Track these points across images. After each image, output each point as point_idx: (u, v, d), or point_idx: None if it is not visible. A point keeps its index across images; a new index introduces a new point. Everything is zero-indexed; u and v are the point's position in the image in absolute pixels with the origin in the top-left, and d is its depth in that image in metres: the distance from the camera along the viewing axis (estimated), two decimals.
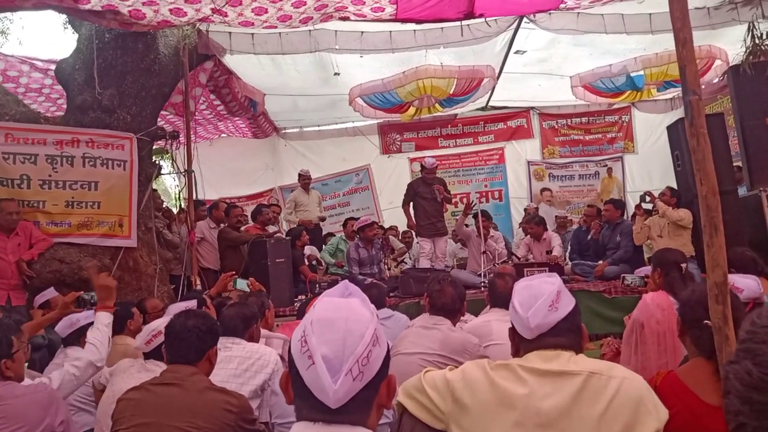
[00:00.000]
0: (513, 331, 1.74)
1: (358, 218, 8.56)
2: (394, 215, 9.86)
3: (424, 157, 9.37)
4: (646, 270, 4.10)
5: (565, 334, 1.65)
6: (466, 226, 7.80)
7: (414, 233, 8.50)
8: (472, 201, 8.83)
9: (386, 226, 9.70)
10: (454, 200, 10.70)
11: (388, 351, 1.16)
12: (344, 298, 1.20)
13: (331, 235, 9.47)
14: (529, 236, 7.73)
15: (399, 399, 1.72)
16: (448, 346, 2.88)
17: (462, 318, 3.74)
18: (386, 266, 8.14)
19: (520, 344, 1.71)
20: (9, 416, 2.20)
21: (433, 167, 7.62)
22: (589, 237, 7.27)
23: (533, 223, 7.51)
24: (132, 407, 2.23)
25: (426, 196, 7.44)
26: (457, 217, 10.53)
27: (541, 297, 1.65)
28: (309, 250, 7.94)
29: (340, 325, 1.10)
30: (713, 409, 1.83)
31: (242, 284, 4.62)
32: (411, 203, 7.64)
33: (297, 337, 1.11)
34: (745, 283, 2.53)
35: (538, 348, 1.64)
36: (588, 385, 1.53)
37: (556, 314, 1.64)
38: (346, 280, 1.29)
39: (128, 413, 2.22)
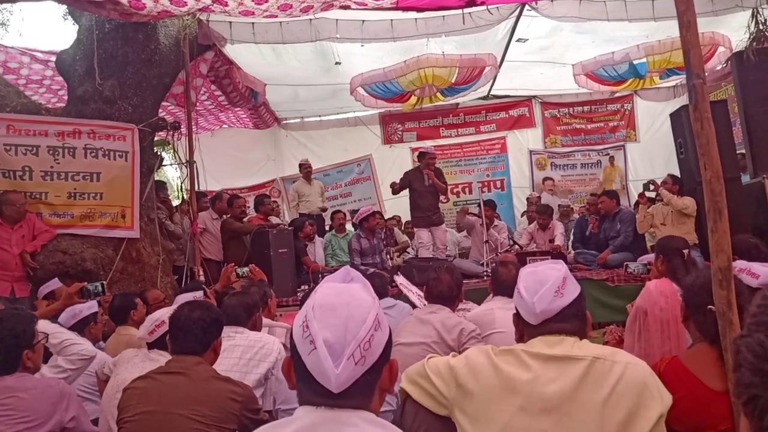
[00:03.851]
0: (518, 317, 1.74)
1: (339, 212, 8.55)
2: (396, 205, 9.85)
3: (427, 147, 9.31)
4: (649, 258, 4.10)
5: (570, 320, 1.65)
6: (474, 215, 7.77)
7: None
8: (470, 209, 8.76)
9: (389, 215, 9.68)
10: (455, 190, 10.76)
11: (390, 335, 1.16)
12: (346, 283, 1.20)
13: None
14: (533, 224, 7.71)
15: (402, 385, 1.72)
16: (445, 329, 2.89)
17: (465, 307, 3.75)
18: (388, 256, 8.12)
19: (524, 330, 1.71)
20: (17, 408, 2.21)
21: (432, 152, 7.56)
22: (587, 233, 7.24)
23: (546, 215, 7.48)
24: (137, 396, 2.24)
25: (420, 188, 7.35)
26: (458, 208, 10.62)
27: (547, 283, 1.64)
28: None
29: (342, 310, 1.10)
30: (717, 394, 1.83)
31: (243, 271, 4.63)
32: (400, 191, 7.60)
33: (299, 322, 1.11)
34: (763, 270, 2.51)
35: (543, 333, 1.64)
36: (592, 370, 1.53)
37: (561, 300, 1.64)
38: (348, 266, 1.28)
39: (134, 401, 2.23)
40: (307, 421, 1.08)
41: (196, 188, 6.34)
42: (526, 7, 6.24)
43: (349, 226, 8.77)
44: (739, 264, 2.54)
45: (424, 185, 7.29)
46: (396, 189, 7.50)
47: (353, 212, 9.40)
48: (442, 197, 7.75)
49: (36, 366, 2.44)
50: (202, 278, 5.86)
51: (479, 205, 7.60)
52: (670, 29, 6.47)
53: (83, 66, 5.58)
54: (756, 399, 0.68)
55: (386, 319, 1.18)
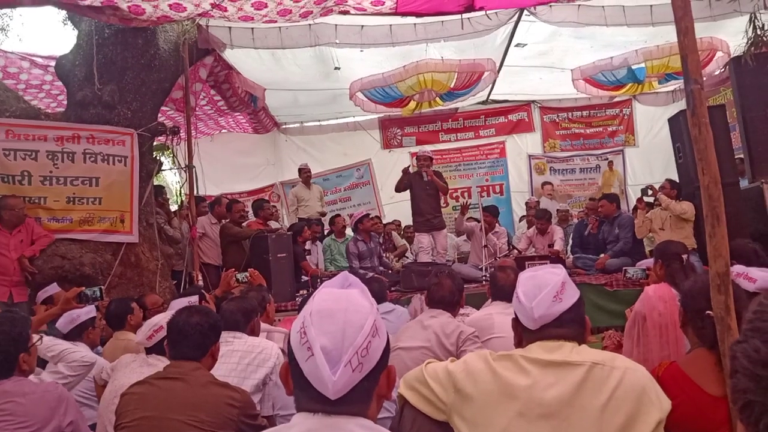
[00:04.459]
0: (516, 322, 1.74)
1: (338, 215, 8.55)
2: (395, 210, 9.86)
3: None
4: (648, 262, 4.09)
5: (569, 325, 1.65)
6: (476, 220, 7.75)
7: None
8: (470, 202, 8.74)
9: (388, 220, 9.68)
10: (455, 195, 10.75)
11: (388, 342, 1.16)
12: (344, 289, 1.20)
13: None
14: (532, 229, 7.72)
15: (400, 391, 1.72)
16: (444, 334, 2.89)
17: (464, 312, 3.75)
18: (388, 260, 8.12)
19: (523, 335, 1.70)
20: (15, 413, 2.20)
21: (426, 155, 7.53)
22: (587, 233, 7.25)
23: (544, 220, 7.50)
24: (135, 401, 2.24)
25: (420, 192, 7.34)
26: (458, 213, 10.64)
27: (546, 287, 1.64)
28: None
29: (340, 316, 1.09)
30: (715, 400, 1.83)
31: (242, 276, 4.62)
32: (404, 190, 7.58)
33: (296, 328, 1.11)
34: (760, 275, 2.52)
35: (541, 339, 1.63)
36: (591, 376, 1.53)
37: (560, 305, 1.63)
38: (346, 272, 1.28)
39: (131, 407, 2.23)
40: (304, 427, 1.07)
41: (195, 193, 6.33)
42: (525, 12, 6.25)
43: (348, 231, 8.77)
44: (736, 268, 2.54)
45: (424, 188, 7.28)
46: (401, 184, 7.52)
47: (338, 217, 9.43)
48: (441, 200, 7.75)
49: (31, 368, 2.44)
50: (201, 283, 5.86)
51: (485, 208, 7.60)
52: (669, 34, 6.50)
53: (83, 71, 5.59)
54: (752, 404, 0.68)
55: (384, 324, 1.18)
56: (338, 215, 8.61)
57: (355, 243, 7.39)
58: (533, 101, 10.80)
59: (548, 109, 10.89)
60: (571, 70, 8.40)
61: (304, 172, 9.16)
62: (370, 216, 7.88)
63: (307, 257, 7.38)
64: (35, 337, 2.53)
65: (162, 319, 2.86)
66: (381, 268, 7.49)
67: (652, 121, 10.42)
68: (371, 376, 1.09)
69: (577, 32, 6.85)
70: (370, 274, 6.71)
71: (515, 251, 7.53)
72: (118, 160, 5.63)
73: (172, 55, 5.98)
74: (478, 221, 7.73)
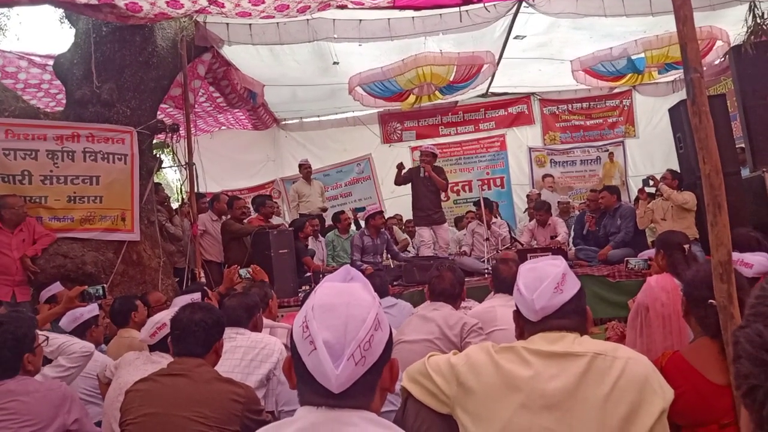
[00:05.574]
0: (517, 314, 1.73)
1: (342, 212, 8.53)
2: (396, 204, 9.86)
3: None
4: (650, 253, 4.09)
5: (570, 316, 1.64)
6: (472, 213, 7.75)
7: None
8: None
9: (389, 215, 9.67)
10: (455, 188, 10.76)
11: (391, 335, 1.16)
12: (346, 283, 1.20)
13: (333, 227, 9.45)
14: (532, 222, 7.72)
15: (403, 384, 1.72)
16: (447, 325, 2.90)
17: (466, 305, 3.76)
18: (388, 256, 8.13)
19: (524, 327, 1.70)
20: (19, 412, 2.21)
21: (429, 150, 7.56)
22: (585, 231, 7.22)
23: (543, 211, 7.49)
24: (140, 398, 2.24)
25: (420, 186, 7.38)
26: (459, 205, 10.64)
27: (547, 279, 1.64)
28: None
29: (342, 310, 1.10)
30: (719, 388, 1.83)
31: (244, 272, 4.63)
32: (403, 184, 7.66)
33: (299, 322, 1.11)
34: (755, 259, 2.53)
35: (543, 330, 1.63)
36: (593, 366, 1.52)
37: (561, 296, 1.63)
38: (348, 265, 1.28)
39: (136, 404, 2.23)
40: (307, 421, 1.08)
41: (196, 190, 6.33)
42: (523, 3, 6.24)
43: (352, 227, 8.77)
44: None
45: (424, 183, 7.31)
46: (399, 179, 7.53)
47: (355, 210, 9.42)
48: (442, 195, 7.76)
49: (36, 369, 2.45)
50: (203, 280, 5.87)
51: (475, 203, 7.61)
52: (668, 24, 6.47)
53: (81, 69, 5.58)
54: (755, 389, 0.68)
55: (387, 318, 1.18)
56: (343, 212, 8.60)
57: (361, 237, 7.41)
58: (533, 93, 10.78)
59: (548, 101, 10.87)
60: (571, 61, 8.38)
61: (305, 168, 9.15)
62: (382, 216, 7.88)
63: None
64: (41, 338, 2.53)
65: (165, 316, 2.87)
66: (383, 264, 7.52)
67: (652, 112, 10.40)
68: (374, 370, 1.09)
69: (575, 23, 6.83)
70: (364, 266, 6.74)
71: (517, 244, 7.53)
72: (118, 158, 5.63)
73: (170, 52, 5.97)
74: (476, 214, 7.76)
